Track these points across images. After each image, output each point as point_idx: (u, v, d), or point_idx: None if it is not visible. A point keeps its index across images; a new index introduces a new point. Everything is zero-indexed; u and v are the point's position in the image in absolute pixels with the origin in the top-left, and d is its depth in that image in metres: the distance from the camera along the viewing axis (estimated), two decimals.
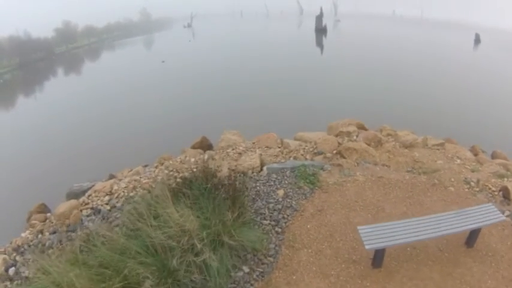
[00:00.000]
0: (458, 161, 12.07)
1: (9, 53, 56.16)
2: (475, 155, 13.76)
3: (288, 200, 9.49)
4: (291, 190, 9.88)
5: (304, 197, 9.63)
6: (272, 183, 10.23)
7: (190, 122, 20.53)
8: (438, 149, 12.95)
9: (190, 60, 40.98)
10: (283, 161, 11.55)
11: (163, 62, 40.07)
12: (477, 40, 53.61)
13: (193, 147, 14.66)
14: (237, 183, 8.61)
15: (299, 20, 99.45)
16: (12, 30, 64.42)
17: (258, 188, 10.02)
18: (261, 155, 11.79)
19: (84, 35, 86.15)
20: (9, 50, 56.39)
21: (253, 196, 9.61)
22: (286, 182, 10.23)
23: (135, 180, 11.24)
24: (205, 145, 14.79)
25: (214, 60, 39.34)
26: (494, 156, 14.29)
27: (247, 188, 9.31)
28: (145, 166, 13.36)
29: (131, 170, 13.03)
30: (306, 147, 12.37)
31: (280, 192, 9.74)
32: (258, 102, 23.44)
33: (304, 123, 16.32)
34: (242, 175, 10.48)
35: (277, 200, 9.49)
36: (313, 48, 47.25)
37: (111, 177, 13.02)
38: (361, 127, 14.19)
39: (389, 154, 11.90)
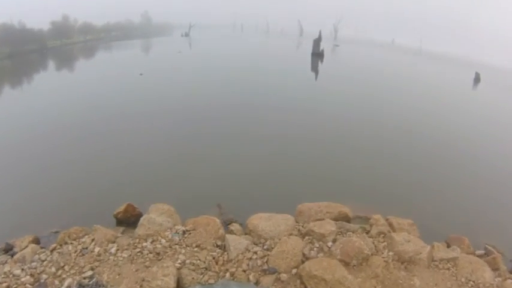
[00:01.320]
0: None
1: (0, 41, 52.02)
2: (495, 269, 9.48)
3: None
4: None
5: None
6: None
7: (118, 178, 13.93)
8: (449, 269, 8.64)
9: (167, 79, 35.77)
10: (212, 281, 7.19)
11: (141, 74, 35.57)
12: (477, 79, 49.84)
13: (116, 217, 10.31)
14: None
15: (298, 41, 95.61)
16: (6, 18, 60.19)
17: None
18: (180, 267, 7.40)
19: (81, 31, 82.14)
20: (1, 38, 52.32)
21: None
22: None
23: None
24: (130, 215, 10.37)
25: (188, 86, 32.61)
26: None
27: None
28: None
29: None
30: (255, 255, 7.96)
31: None
32: (213, 159, 16.04)
33: (268, 198, 11.80)
34: None
35: None
36: (305, 78, 41.09)
37: None
38: (344, 216, 9.89)
39: (377, 283, 7.54)
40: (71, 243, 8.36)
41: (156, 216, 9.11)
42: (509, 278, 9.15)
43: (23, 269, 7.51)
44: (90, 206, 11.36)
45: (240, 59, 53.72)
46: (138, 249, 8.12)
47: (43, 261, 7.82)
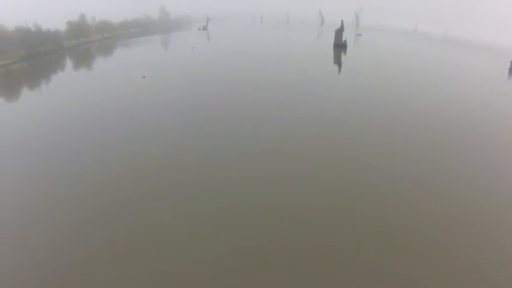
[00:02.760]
0: None
1: (17, 44, 51.56)
2: None
3: None
4: None
5: None
6: None
7: None
8: None
9: (172, 81, 32.75)
10: None
11: (144, 77, 32.33)
12: None
13: None
14: None
15: (319, 31, 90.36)
16: (21, 21, 58.80)
17: None
18: None
19: (98, 29, 79.56)
20: (17, 41, 51.70)
21: None
22: None
23: None
24: None
25: (193, 87, 29.97)
26: None
27: None
28: None
29: None
30: None
31: None
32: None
33: None
34: None
35: None
36: (327, 75, 36.90)
37: None
38: None
39: None
40: None
41: None
42: None
43: None
44: None
45: (256, 57, 48.54)
46: None
47: None
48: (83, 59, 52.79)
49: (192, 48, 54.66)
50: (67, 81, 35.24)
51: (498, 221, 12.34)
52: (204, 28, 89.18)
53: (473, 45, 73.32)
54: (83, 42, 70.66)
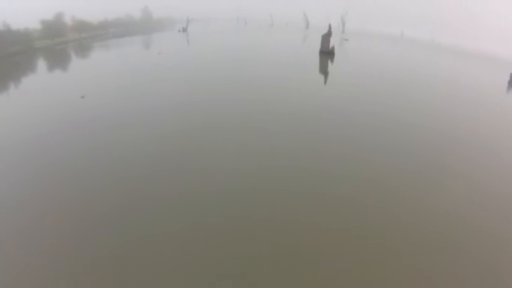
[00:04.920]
0: None
1: None
2: None
3: None
4: None
5: None
6: None
7: None
8: None
9: (114, 100, 26.07)
10: None
11: (82, 97, 25.48)
12: None
13: None
14: None
15: (304, 34, 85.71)
16: None
17: None
18: None
19: (75, 29, 73.74)
20: None
21: None
22: None
23: None
24: None
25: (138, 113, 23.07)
26: None
27: None
28: None
29: None
30: None
31: None
32: None
33: None
34: None
35: None
36: (313, 89, 31.50)
37: None
38: None
39: None
40: None
41: None
42: None
43: None
44: None
45: (235, 65, 42.52)
46: None
47: None
48: (48, 62, 46.88)
49: (160, 54, 47.67)
50: None
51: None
52: (184, 30, 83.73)
53: (462, 52, 69.72)
54: (59, 43, 65.24)
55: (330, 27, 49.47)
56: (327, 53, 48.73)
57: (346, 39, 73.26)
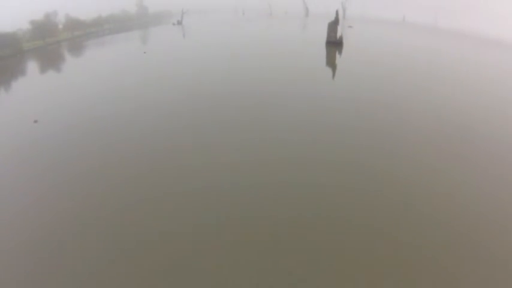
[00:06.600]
0: None
1: None
2: None
3: None
4: None
5: None
6: None
7: None
8: None
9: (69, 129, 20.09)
10: None
11: (35, 121, 20.10)
12: None
13: None
14: None
15: (304, 23, 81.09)
16: None
17: None
18: None
19: (67, 28, 69.95)
20: None
21: None
22: None
23: None
24: None
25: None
26: None
27: None
28: None
29: None
30: None
31: None
32: None
33: None
34: None
35: None
36: (322, 88, 26.78)
37: None
38: None
39: None
40: None
41: None
42: None
43: None
44: None
45: (230, 64, 36.48)
46: None
47: None
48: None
49: (145, 53, 42.42)
50: None
51: None
52: (179, 23, 79.46)
53: (469, 36, 65.01)
54: (51, 43, 61.42)
55: (337, 13, 44.87)
56: (334, 43, 44.19)
57: (351, 26, 68.55)
